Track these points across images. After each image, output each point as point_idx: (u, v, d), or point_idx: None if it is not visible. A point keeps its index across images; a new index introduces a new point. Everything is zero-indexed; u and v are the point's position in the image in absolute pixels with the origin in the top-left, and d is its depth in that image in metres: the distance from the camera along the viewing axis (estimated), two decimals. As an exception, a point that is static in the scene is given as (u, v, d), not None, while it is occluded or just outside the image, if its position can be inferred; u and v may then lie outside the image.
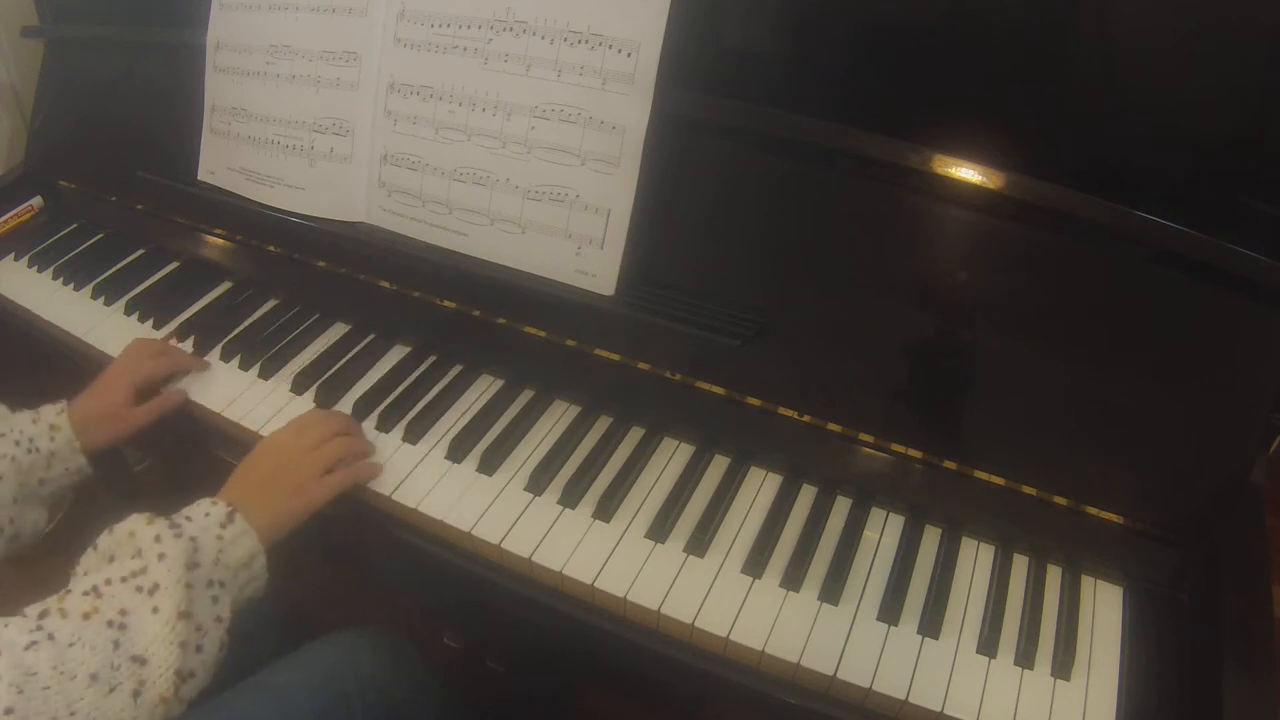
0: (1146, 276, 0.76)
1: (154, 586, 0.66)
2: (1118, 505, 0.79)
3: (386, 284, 1.05)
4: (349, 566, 1.28)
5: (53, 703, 0.59)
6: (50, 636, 0.61)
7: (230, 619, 0.71)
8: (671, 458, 0.91)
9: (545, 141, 0.88)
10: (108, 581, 0.66)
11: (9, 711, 0.57)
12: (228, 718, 0.78)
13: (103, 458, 0.92)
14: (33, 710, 0.58)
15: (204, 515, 0.74)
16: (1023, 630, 0.76)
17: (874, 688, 0.72)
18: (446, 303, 1.01)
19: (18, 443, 0.85)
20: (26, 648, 0.60)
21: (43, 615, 0.63)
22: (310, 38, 1.00)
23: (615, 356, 0.93)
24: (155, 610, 0.66)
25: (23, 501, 0.85)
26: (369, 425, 0.94)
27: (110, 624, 0.64)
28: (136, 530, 0.70)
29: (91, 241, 1.27)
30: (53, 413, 0.90)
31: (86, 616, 0.63)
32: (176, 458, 1.14)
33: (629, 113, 0.84)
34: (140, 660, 0.64)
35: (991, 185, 0.76)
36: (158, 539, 0.69)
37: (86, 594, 0.65)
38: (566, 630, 0.82)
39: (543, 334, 0.96)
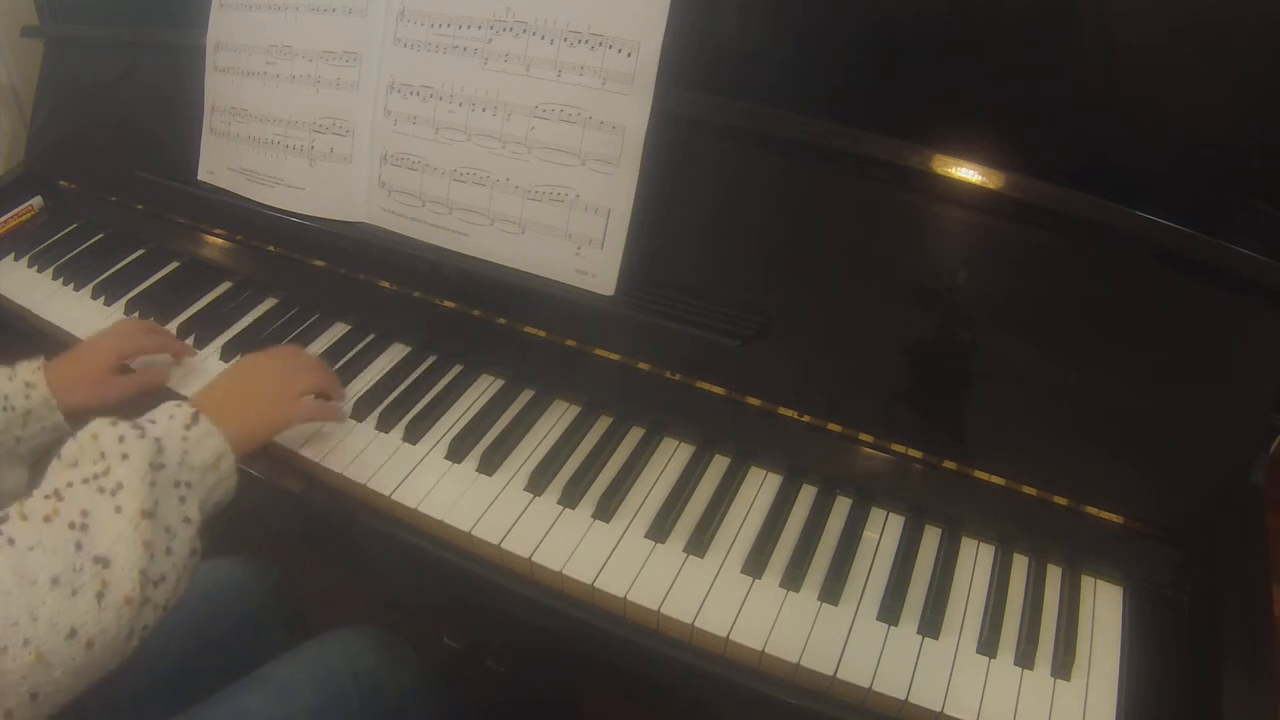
0: (1146, 276, 0.76)
1: (117, 486, 0.65)
2: (1118, 505, 0.79)
3: (386, 284, 1.05)
4: (349, 566, 1.28)
5: (14, 608, 0.57)
6: (10, 541, 0.60)
7: (200, 520, 0.70)
8: (671, 458, 0.91)
9: (545, 141, 0.88)
10: (69, 484, 0.65)
11: None
12: (229, 712, 0.78)
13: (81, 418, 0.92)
14: None
15: (168, 417, 0.73)
16: (1023, 630, 0.76)
17: (874, 688, 0.72)
18: (446, 303, 1.01)
19: None
20: None
21: (2, 520, 0.62)
22: (310, 38, 1.00)
23: (615, 356, 0.93)
24: (118, 510, 0.64)
25: (1, 460, 0.84)
26: (369, 425, 0.94)
27: (71, 525, 0.62)
28: (100, 433, 0.68)
29: (91, 241, 1.27)
30: (29, 370, 0.88)
31: (47, 519, 0.62)
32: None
33: (629, 112, 0.84)
34: (103, 561, 0.62)
35: (991, 185, 0.76)
36: (121, 439, 0.67)
37: (48, 497, 0.64)
38: (566, 630, 0.82)
39: (543, 334, 0.96)
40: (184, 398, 0.96)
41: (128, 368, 0.97)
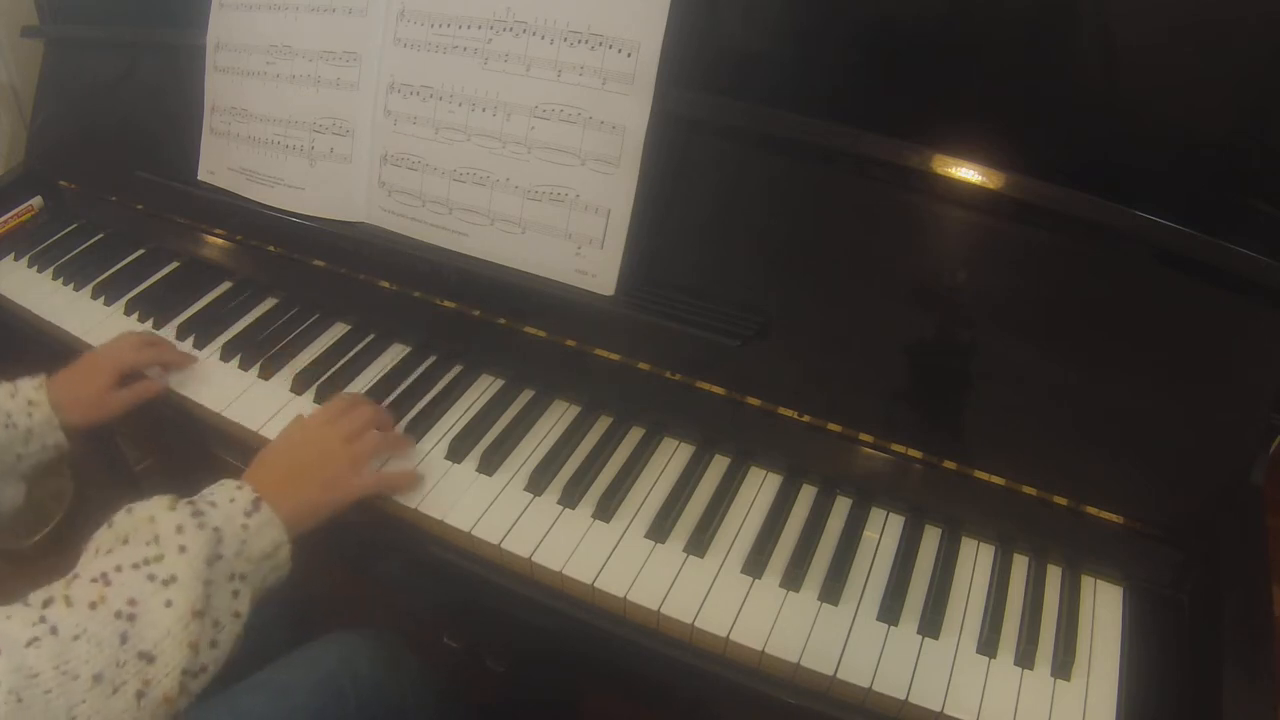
0: (1146, 276, 0.76)
1: (170, 578, 0.63)
2: (1118, 505, 0.79)
3: (386, 284, 1.05)
4: (349, 567, 1.28)
5: (54, 708, 0.56)
6: (53, 630, 0.58)
7: (249, 612, 0.69)
8: (671, 458, 0.91)
9: (545, 141, 0.88)
10: (118, 568, 0.63)
11: None
12: (229, 713, 0.78)
13: (92, 450, 0.92)
14: (31, 719, 0.55)
15: (229, 501, 0.71)
16: (1023, 630, 0.76)
17: (874, 688, 0.72)
18: (446, 303, 1.01)
19: None
20: (28, 644, 0.57)
21: (47, 604, 0.60)
22: (310, 38, 1.00)
23: (615, 356, 0.93)
24: (169, 604, 0.63)
25: (1, 477, 0.84)
26: (369, 425, 0.94)
27: (118, 614, 0.61)
28: (157, 516, 0.67)
29: (91, 241, 1.27)
30: (30, 387, 0.88)
31: (93, 606, 0.60)
32: (177, 457, 1.14)
33: (629, 112, 0.84)
34: (147, 657, 0.61)
35: (991, 185, 0.76)
36: (179, 529, 0.66)
37: (95, 580, 0.62)
38: (566, 630, 0.82)
39: (543, 334, 0.96)
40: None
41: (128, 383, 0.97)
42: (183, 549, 0.65)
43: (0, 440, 0.84)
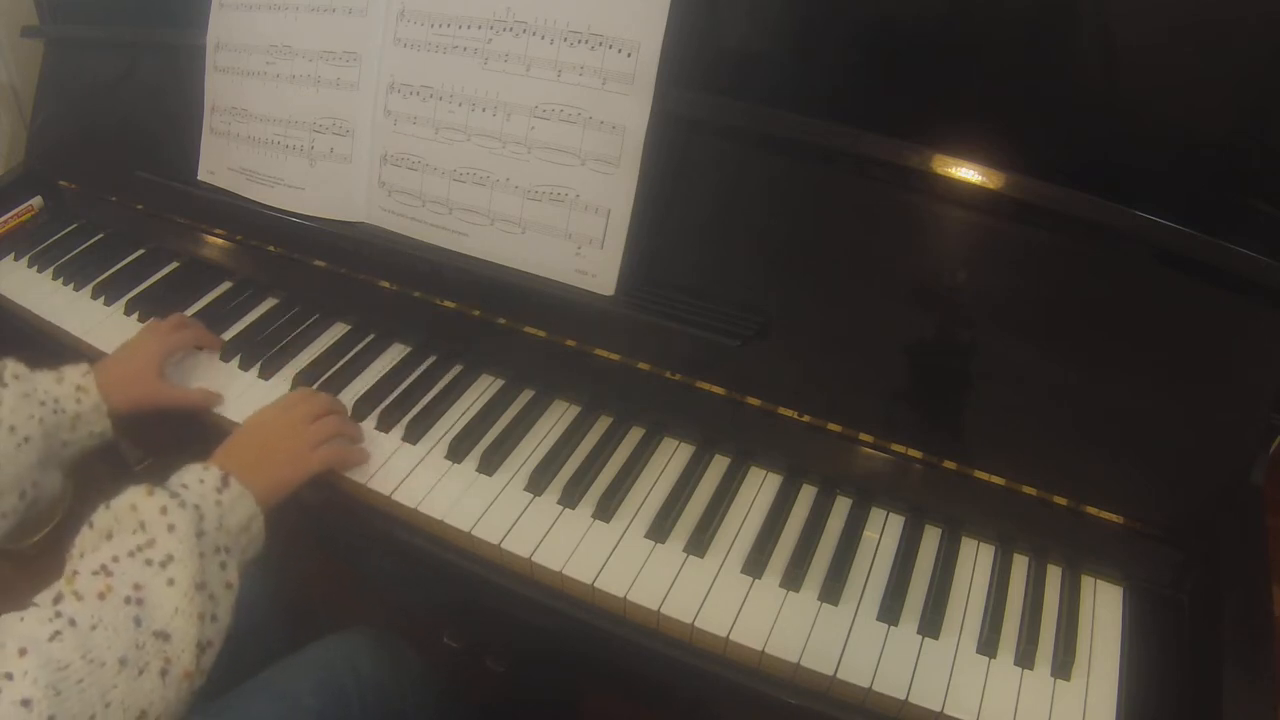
0: (1146, 276, 0.76)
1: (166, 559, 0.65)
2: (1118, 505, 0.79)
3: (386, 284, 1.05)
4: (349, 567, 1.28)
5: (89, 696, 0.57)
6: (71, 622, 0.59)
7: (239, 585, 0.70)
8: (671, 458, 0.91)
9: (545, 141, 0.88)
10: (115, 558, 0.64)
11: None
12: (230, 716, 0.78)
13: (107, 450, 0.91)
14: (71, 712, 0.56)
15: (199, 482, 0.73)
16: (1023, 630, 0.76)
17: (874, 688, 0.72)
18: (446, 303, 1.01)
19: (43, 403, 0.83)
20: (51, 639, 0.58)
21: (57, 600, 0.62)
22: (310, 38, 1.00)
23: (615, 356, 0.93)
24: (171, 583, 0.64)
25: (45, 464, 0.83)
26: (369, 425, 0.94)
27: (127, 600, 0.62)
28: (138, 503, 0.68)
29: (91, 241, 1.26)
30: (78, 374, 0.88)
31: (101, 596, 0.62)
32: (177, 458, 1.14)
33: (629, 112, 0.84)
34: (163, 636, 0.62)
35: (991, 185, 0.76)
36: (164, 510, 0.67)
37: (96, 573, 0.63)
38: (566, 630, 0.82)
39: (543, 334, 0.96)
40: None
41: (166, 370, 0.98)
42: (171, 528, 0.66)
43: (48, 425, 0.83)
